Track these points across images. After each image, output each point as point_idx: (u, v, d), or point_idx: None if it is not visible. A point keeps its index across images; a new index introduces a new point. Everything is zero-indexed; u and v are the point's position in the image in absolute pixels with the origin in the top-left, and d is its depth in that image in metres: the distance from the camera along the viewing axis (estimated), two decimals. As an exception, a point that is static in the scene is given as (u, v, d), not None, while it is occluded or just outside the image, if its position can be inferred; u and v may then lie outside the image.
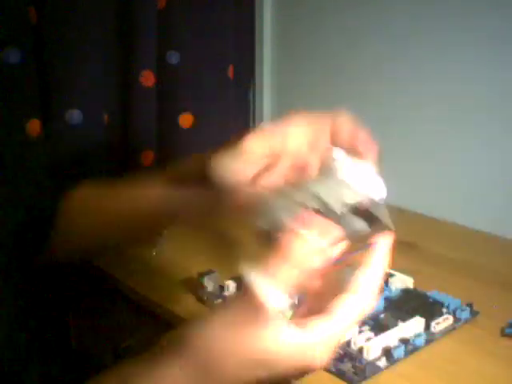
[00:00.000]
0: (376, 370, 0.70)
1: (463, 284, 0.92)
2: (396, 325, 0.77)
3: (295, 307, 0.46)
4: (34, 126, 1.14)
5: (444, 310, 0.82)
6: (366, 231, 0.46)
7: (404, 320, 0.78)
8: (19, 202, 0.71)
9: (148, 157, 1.33)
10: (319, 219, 0.45)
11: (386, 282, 0.87)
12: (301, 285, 0.45)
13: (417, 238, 1.10)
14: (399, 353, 0.72)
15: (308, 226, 0.44)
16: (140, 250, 1.02)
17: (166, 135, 1.35)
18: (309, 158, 0.50)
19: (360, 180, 0.48)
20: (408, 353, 0.73)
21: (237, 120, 1.46)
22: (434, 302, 0.83)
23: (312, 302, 0.48)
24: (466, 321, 0.81)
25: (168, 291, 0.89)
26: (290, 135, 0.51)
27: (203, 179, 0.54)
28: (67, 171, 1.20)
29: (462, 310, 0.81)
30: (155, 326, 0.91)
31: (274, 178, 0.49)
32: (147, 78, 1.28)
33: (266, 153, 0.49)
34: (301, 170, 0.49)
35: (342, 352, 0.73)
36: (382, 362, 0.71)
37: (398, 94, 1.24)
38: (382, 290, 0.85)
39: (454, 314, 0.81)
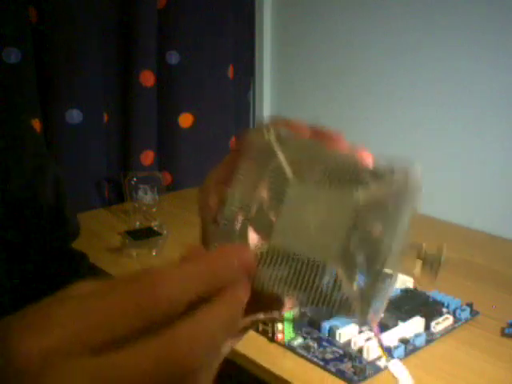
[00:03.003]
0: (376, 370, 0.70)
1: (463, 284, 0.92)
2: (396, 325, 0.77)
3: None
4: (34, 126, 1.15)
5: (444, 310, 0.82)
6: None
7: (404, 320, 0.78)
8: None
9: (148, 157, 1.33)
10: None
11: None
12: None
13: (417, 238, 1.09)
14: (399, 353, 0.72)
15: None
16: (140, 250, 1.02)
17: (166, 135, 1.36)
18: None
19: None
20: (408, 353, 0.73)
21: (237, 120, 1.46)
22: (434, 302, 0.83)
23: None
24: (466, 321, 0.81)
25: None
26: None
27: None
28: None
29: (462, 310, 0.81)
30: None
31: None
32: (147, 78, 1.28)
33: None
34: None
35: (342, 352, 0.73)
36: (382, 362, 0.71)
37: (398, 93, 1.24)
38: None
39: (453, 314, 0.81)
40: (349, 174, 0.30)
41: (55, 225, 0.62)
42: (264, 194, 0.32)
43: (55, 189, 0.63)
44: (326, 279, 0.29)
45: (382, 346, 0.48)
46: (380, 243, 0.30)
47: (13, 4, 1.09)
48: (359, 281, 0.29)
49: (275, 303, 0.35)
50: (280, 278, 0.30)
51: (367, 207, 0.30)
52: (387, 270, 0.30)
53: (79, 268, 0.65)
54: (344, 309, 0.29)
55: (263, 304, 0.34)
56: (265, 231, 0.31)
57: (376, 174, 0.30)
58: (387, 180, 0.30)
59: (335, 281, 0.29)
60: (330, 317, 0.78)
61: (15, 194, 0.58)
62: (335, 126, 0.37)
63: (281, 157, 0.31)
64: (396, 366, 0.71)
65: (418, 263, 0.32)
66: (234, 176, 0.32)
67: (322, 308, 0.30)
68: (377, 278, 0.29)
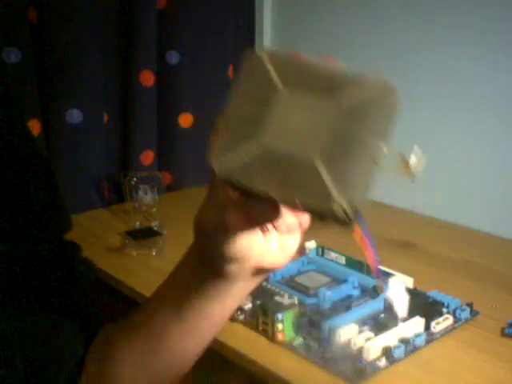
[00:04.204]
0: (376, 369, 0.70)
1: (463, 284, 0.92)
2: (396, 325, 0.77)
3: None
4: (33, 126, 1.15)
5: (444, 310, 0.82)
6: None
7: (404, 320, 0.78)
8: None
9: (148, 157, 1.33)
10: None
11: (386, 282, 0.87)
12: None
13: (417, 238, 1.10)
14: (399, 353, 0.72)
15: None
16: (140, 250, 1.02)
17: (166, 135, 1.36)
18: None
19: None
20: (408, 353, 0.73)
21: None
22: (434, 302, 0.83)
23: None
24: (466, 321, 0.81)
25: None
26: None
27: None
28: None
29: (462, 310, 0.81)
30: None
31: None
32: (147, 78, 1.28)
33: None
34: None
35: (342, 352, 0.73)
36: (382, 362, 0.71)
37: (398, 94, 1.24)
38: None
39: (453, 314, 0.81)
40: (331, 82, 0.33)
41: (48, 217, 0.63)
42: (254, 106, 0.35)
43: (48, 181, 0.63)
44: (310, 174, 0.32)
45: (373, 262, 0.47)
46: (360, 141, 0.32)
47: (13, 4, 1.09)
48: (340, 173, 0.32)
49: (267, 209, 0.37)
50: (268, 177, 0.33)
51: (349, 110, 0.33)
52: (367, 166, 0.33)
53: (75, 259, 0.66)
54: (323, 199, 0.32)
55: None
56: (255, 134, 0.34)
57: (356, 81, 0.33)
58: (365, 86, 0.33)
59: (317, 174, 0.32)
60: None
61: (7, 187, 0.58)
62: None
63: (270, 68, 0.34)
64: (394, 288, 0.71)
65: (400, 164, 0.36)
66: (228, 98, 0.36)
67: (304, 203, 0.33)
68: (355, 169, 0.32)
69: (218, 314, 0.49)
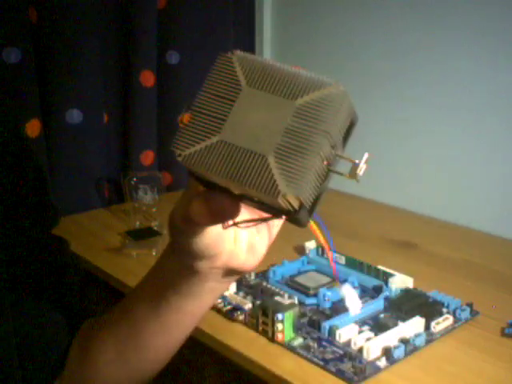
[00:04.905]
0: (376, 369, 0.70)
1: (463, 284, 0.92)
2: (396, 325, 0.77)
3: None
4: (33, 126, 1.15)
5: (444, 310, 0.82)
6: None
7: (404, 320, 0.78)
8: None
9: (148, 157, 1.33)
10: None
11: (386, 282, 0.87)
12: None
13: (417, 238, 1.10)
14: (399, 353, 0.72)
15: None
16: (140, 250, 1.02)
17: (166, 135, 1.36)
18: None
19: None
20: (408, 353, 0.73)
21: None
22: (434, 302, 0.83)
23: None
24: (466, 321, 0.81)
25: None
26: None
27: None
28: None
29: (462, 310, 0.81)
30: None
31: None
32: (147, 78, 1.28)
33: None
34: None
35: (342, 352, 0.73)
36: (382, 362, 0.71)
37: (397, 94, 1.24)
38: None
39: (453, 314, 0.81)
40: (291, 84, 0.36)
41: (37, 211, 0.63)
42: (219, 103, 0.37)
43: (37, 176, 0.64)
44: (261, 168, 0.34)
45: (328, 250, 0.48)
46: (311, 140, 0.34)
47: (13, 4, 1.09)
48: (288, 169, 0.34)
49: (226, 202, 0.38)
50: (225, 169, 0.35)
51: (300, 110, 0.35)
52: (315, 165, 0.34)
53: (62, 252, 0.66)
54: (271, 193, 0.34)
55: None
56: (217, 129, 0.36)
57: (311, 84, 0.36)
58: (319, 88, 0.36)
59: (268, 169, 0.34)
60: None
61: None
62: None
63: (237, 69, 0.37)
64: (348, 291, 0.73)
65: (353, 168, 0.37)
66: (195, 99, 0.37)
67: (255, 195, 0.35)
68: (303, 167, 0.34)
69: (194, 312, 0.51)
